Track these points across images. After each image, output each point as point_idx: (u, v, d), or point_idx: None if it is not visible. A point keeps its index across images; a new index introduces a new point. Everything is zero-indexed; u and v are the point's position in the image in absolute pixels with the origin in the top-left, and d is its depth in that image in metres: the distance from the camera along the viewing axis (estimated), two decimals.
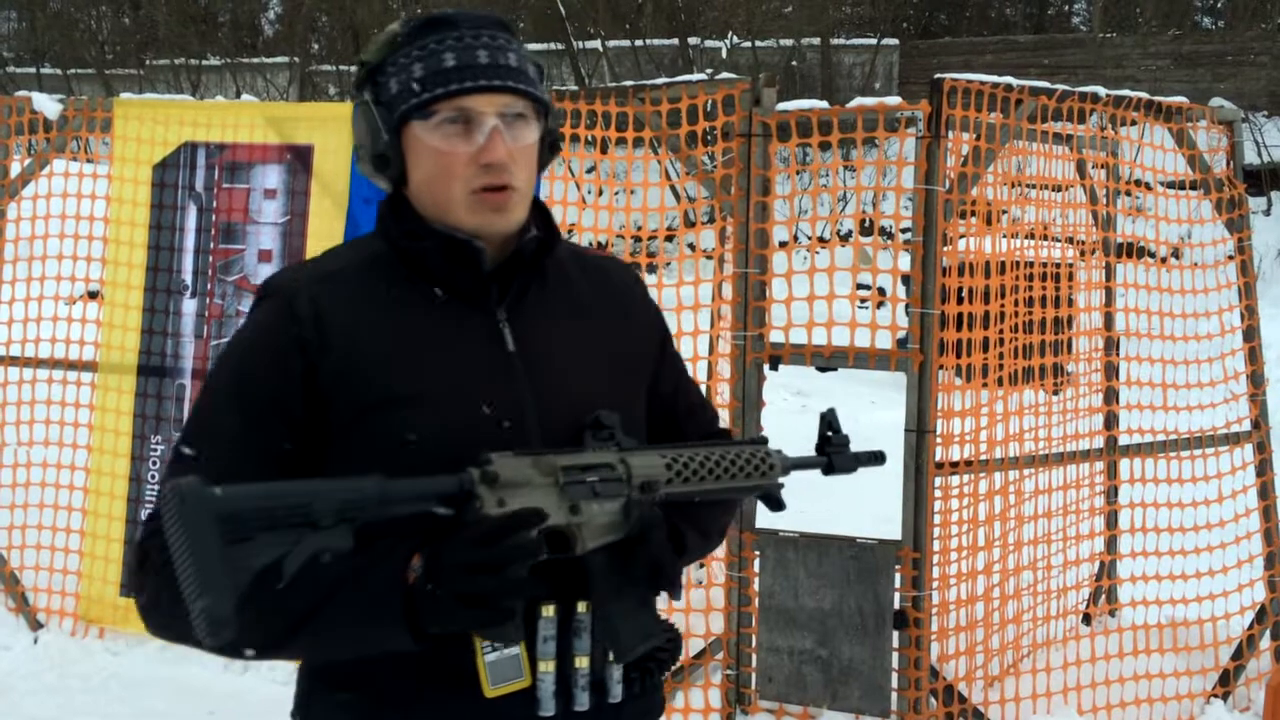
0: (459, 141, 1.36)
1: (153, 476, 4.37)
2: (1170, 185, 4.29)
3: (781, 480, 1.52)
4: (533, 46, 1.46)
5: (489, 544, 1.21)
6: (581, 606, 1.33)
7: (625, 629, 1.32)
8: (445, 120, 1.36)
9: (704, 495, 1.43)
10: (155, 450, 4.38)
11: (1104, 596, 4.54)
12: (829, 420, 1.61)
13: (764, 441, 1.52)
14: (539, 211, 1.48)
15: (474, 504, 1.24)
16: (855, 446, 1.60)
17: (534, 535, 1.24)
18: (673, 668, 1.50)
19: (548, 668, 1.31)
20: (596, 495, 1.32)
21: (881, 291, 3.76)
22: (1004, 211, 3.98)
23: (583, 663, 1.34)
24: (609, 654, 1.35)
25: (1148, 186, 4.26)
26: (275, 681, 4.00)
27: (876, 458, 1.65)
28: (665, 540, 1.37)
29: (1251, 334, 4.12)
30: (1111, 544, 4.46)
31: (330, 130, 4.28)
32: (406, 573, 1.25)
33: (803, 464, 1.57)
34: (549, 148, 1.48)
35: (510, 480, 1.26)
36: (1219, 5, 18.93)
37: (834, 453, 1.59)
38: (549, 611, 1.32)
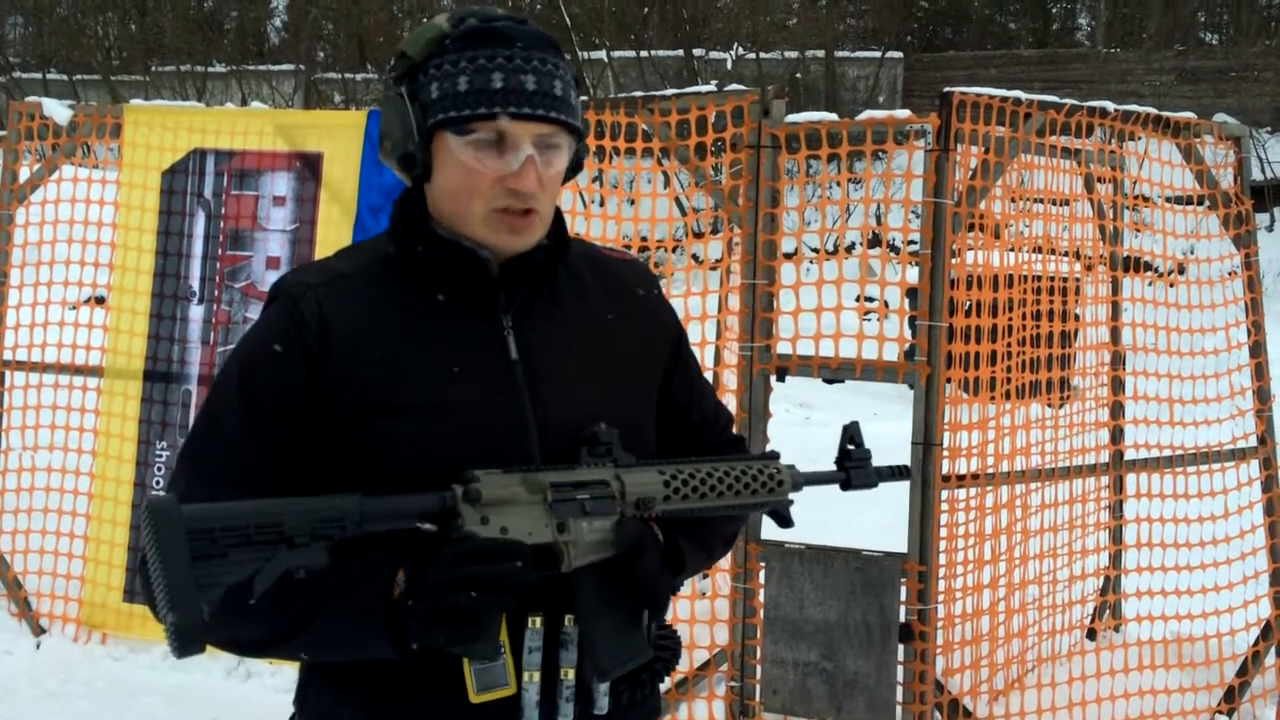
0: (489, 161, 1.35)
1: (157, 482, 4.37)
2: (1175, 200, 4.29)
3: (791, 497, 1.50)
4: None
5: (467, 563, 1.22)
6: (568, 620, 1.34)
7: (606, 649, 1.32)
8: (481, 138, 1.35)
9: (705, 513, 1.41)
10: (160, 456, 4.38)
11: (1109, 611, 4.53)
12: (851, 433, 1.57)
13: (775, 457, 1.51)
14: (553, 218, 1.47)
15: (456, 521, 1.24)
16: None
17: (520, 566, 1.24)
18: (670, 676, 1.50)
19: (532, 678, 1.32)
20: (586, 513, 1.32)
21: (887, 304, 3.76)
22: (1010, 225, 3.98)
23: (568, 674, 1.34)
24: (589, 668, 1.35)
25: (1153, 202, 4.26)
26: (277, 689, 4.00)
27: (899, 472, 1.61)
28: (658, 561, 1.36)
29: (1258, 350, 4.12)
30: (1117, 559, 4.45)
31: (340, 138, 4.29)
32: (393, 586, 1.26)
33: (818, 479, 1.55)
34: (572, 165, 1.47)
35: (494, 498, 1.26)
36: (1223, 21, 18.98)
37: (853, 468, 1.56)
38: (535, 623, 1.32)
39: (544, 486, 1.30)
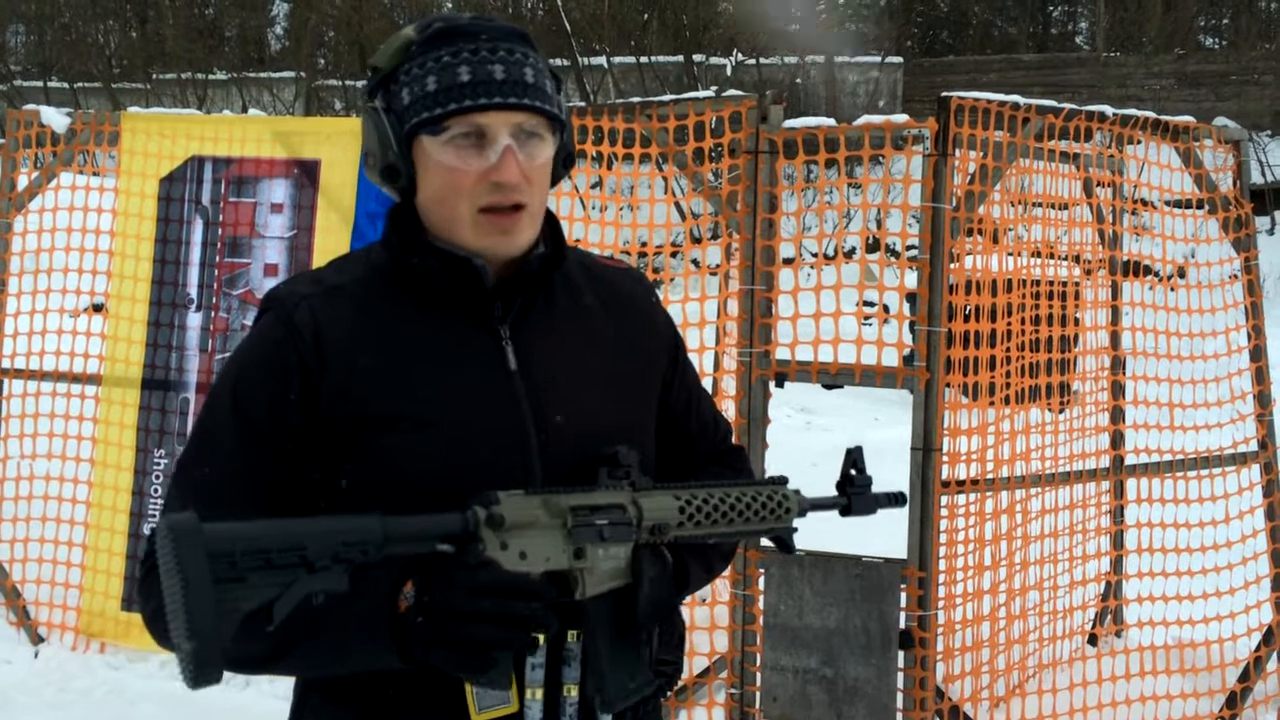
0: (470, 158, 1.32)
1: (155, 490, 4.36)
2: (1175, 204, 4.28)
3: (796, 524, 1.48)
4: None
5: (484, 595, 1.18)
6: (571, 636, 1.31)
7: (614, 682, 1.29)
8: (457, 136, 1.32)
9: (714, 538, 1.40)
10: (158, 464, 4.38)
11: (1110, 617, 4.51)
12: (855, 459, 1.57)
13: (783, 481, 1.48)
14: (549, 225, 1.45)
15: (476, 545, 1.20)
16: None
17: (538, 607, 1.20)
18: (672, 690, 1.48)
19: (534, 695, 1.30)
20: (604, 539, 1.28)
21: (886, 309, 3.75)
22: (1010, 229, 3.98)
23: (571, 691, 1.32)
24: (595, 698, 1.33)
25: (1153, 205, 4.26)
26: (276, 696, 3.99)
27: (896, 500, 1.62)
28: (670, 586, 1.34)
29: (1258, 354, 4.11)
30: (1118, 564, 4.44)
31: (337, 145, 4.30)
32: (399, 599, 1.23)
33: (821, 505, 1.53)
34: (562, 163, 1.43)
35: (516, 522, 1.23)
36: (1223, 25, 18.99)
37: (855, 494, 1.56)
38: (539, 640, 1.29)
39: (564, 510, 1.27)
